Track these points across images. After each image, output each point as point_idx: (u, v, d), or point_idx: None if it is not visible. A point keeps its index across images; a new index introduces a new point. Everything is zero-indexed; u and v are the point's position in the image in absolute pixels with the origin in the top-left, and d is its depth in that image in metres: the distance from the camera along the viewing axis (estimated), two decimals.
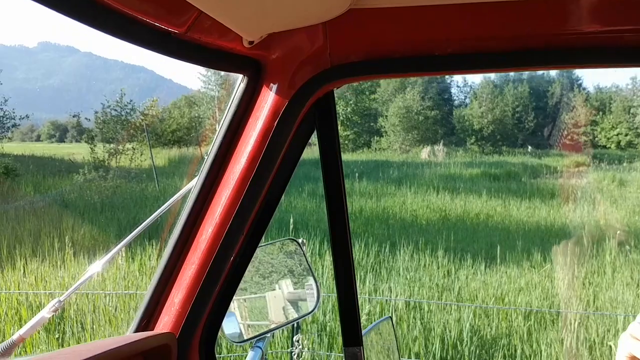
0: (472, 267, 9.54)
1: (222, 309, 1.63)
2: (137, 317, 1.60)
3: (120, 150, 24.51)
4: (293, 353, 2.89)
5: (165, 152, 35.23)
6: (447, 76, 61.62)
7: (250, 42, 1.36)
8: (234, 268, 1.59)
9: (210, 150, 1.57)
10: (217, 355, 1.66)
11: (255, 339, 2.08)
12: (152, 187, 19.67)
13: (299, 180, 20.83)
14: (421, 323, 6.45)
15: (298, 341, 3.36)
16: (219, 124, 1.60)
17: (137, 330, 1.59)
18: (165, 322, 1.57)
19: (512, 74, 63.40)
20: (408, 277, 8.80)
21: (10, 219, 13.72)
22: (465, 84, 65.53)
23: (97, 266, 1.77)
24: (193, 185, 1.61)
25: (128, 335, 1.56)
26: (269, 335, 2.16)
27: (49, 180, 21.48)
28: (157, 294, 1.59)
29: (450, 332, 6.29)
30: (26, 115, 31.29)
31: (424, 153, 39.90)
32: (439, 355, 5.96)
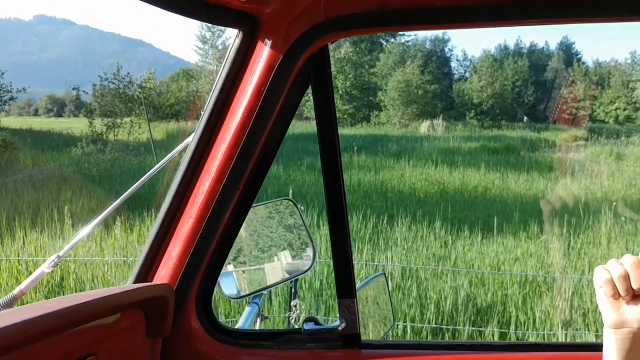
0: (469, 238, 9.62)
1: (218, 263, 1.67)
2: (135, 269, 1.64)
3: (119, 124, 24.41)
4: (291, 317, 2.94)
5: (163, 125, 35.12)
6: (446, 49, 61.28)
7: None
8: (230, 223, 1.62)
9: (206, 106, 1.58)
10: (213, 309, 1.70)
11: (252, 296, 2.13)
12: (151, 160, 19.66)
13: (297, 154, 20.84)
14: (417, 291, 6.52)
15: (296, 306, 3.40)
16: (214, 83, 1.62)
17: (136, 282, 1.63)
18: (163, 275, 1.61)
19: (512, 47, 63.09)
20: (405, 247, 8.88)
21: (9, 191, 13.77)
22: (465, 58, 65.30)
23: (95, 222, 1.79)
24: (190, 141, 1.64)
25: (126, 285, 1.60)
26: (265, 292, 2.21)
27: (47, 153, 21.47)
28: (154, 248, 1.63)
29: (445, 299, 6.37)
30: (23, 88, 31.05)
31: (423, 127, 39.80)
32: (434, 320, 6.05)
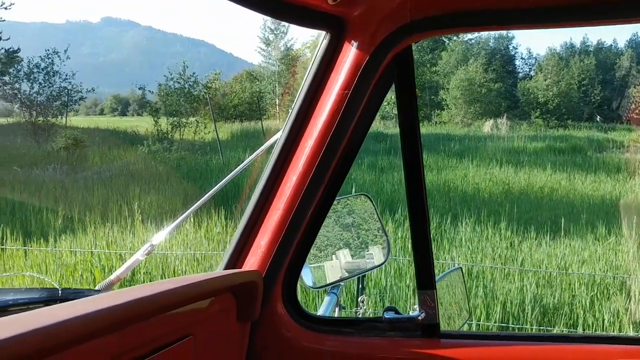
0: (536, 239, 9.44)
1: (303, 253, 1.76)
2: (225, 257, 1.75)
3: (184, 123, 25.02)
4: (357, 313, 3.01)
5: (228, 126, 35.73)
6: (511, 47, 59.94)
7: (334, 0, 1.45)
8: (315, 215, 1.71)
9: (294, 104, 1.68)
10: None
11: (330, 286, 2.21)
12: (217, 160, 20.09)
13: (358, 154, 20.81)
14: (483, 291, 6.48)
15: (362, 302, 3.47)
16: (297, 91, 1.71)
17: (226, 269, 1.74)
18: (252, 263, 1.71)
19: (578, 45, 61.14)
20: (470, 247, 8.80)
21: (80, 188, 14.32)
22: (529, 56, 63.72)
23: (186, 214, 1.92)
24: (277, 138, 1.73)
25: (219, 271, 1.71)
26: (342, 283, 2.29)
27: (114, 151, 22.09)
28: (244, 237, 1.73)
29: (512, 300, 6.30)
30: (92, 89, 32.13)
31: (487, 126, 39.07)
32: (500, 320, 6.00)
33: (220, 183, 1.90)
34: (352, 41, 1.57)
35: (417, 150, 1.62)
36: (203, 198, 1.89)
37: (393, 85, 1.62)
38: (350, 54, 1.58)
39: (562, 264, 8.04)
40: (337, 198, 1.87)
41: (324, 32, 1.62)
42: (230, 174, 1.88)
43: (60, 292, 1.48)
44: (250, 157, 1.88)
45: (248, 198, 1.75)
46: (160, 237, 1.89)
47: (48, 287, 1.54)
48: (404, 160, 1.63)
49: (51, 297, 1.45)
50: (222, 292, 1.55)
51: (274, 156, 1.69)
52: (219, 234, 9.29)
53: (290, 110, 1.70)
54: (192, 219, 9.64)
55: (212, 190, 1.89)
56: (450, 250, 8.55)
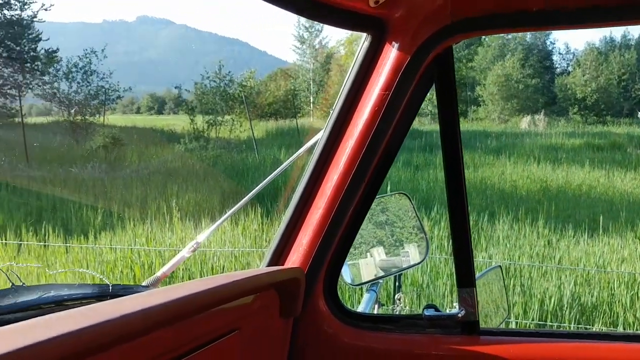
0: (574, 237, 9.29)
1: (344, 251, 1.79)
2: (268, 254, 1.79)
3: (220, 122, 25.30)
4: (394, 310, 3.03)
5: (263, 124, 35.93)
6: (548, 42, 58.86)
7: (376, 2, 1.47)
8: (355, 213, 1.74)
9: (335, 104, 1.71)
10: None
11: (370, 284, 2.23)
12: (252, 157, 20.25)
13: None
14: (521, 289, 6.42)
15: (399, 299, 3.48)
16: (339, 89, 1.73)
17: (269, 266, 1.78)
18: (294, 260, 1.74)
19: (618, 39, 59.64)
20: (508, 245, 8.71)
21: (118, 185, 14.58)
22: (567, 51, 62.42)
23: (232, 212, 1.97)
24: (318, 139, 1.77)
25: (262, 268, 1.75)
26: (381, 280, 2.31)
27: (152, 149, 22.40)
28: (286, 235, 1.77)
29: (550, 298, 6.23)
30: (129, 87, 32.70)
31: (524, 123, 38.57)
32: (537, 318, 5.94)
33: (263, 182, 1.94)
34: (393, 42, 1.59)
35: (458, 149, 1.63)
36: (246, 197, 1.93)
37: (433, 86, 1.64)
38: (391, 55, 1.60)
39: (601, 262, 7.90)
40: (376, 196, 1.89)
41: (364, 34, 1.64)
42: (272, 174, 1.92)
43: (110, 288, 1.53)
44: (292, 157, 1.92)
45: (290, 197, 1.79)
46: (204, 235, 1.93)
47: (99, 283, 1.60)
48: (444, 158, 1.65)
49: (102, 293, 1.51)
50: (266, 289, 1.59)
51: (315, 156, 1.72)
52: (256, 232, 9.38)
53: (330, 111, 1.72)
54: (230, 218, 9.72)
55: (254, 190, 1.93)
56: (488, 249, 8.48)
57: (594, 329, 5.83)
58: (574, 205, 12.81)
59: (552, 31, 59.58)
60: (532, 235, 9.32)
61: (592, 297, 6.50)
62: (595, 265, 7.73)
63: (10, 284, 1.45)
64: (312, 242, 1.72)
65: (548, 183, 15.92)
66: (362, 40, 1.65)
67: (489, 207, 11.68)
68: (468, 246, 1.68)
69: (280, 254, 1.77)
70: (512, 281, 6.72)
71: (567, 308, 6.14)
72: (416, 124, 33.45)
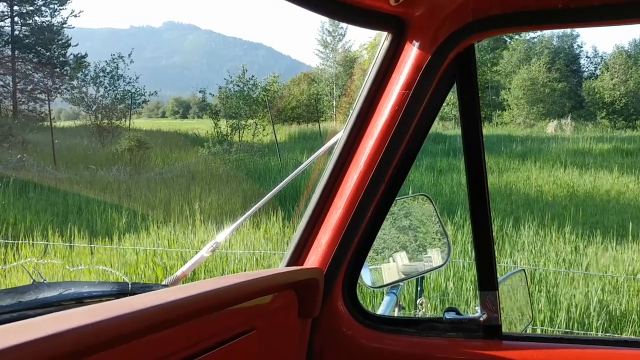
0: (602, 244, 9.12)
1: (364, 252, 1.77)
2: (287, 254, 1.78)
3: (243, 125, 25.45)
4: (417, 315, 3.00)
5: (286, 128, 36.07)
6: (575, 46, 58.10)
7: (397, 0, 1.45)
8: (375, 214, 1.72)
9: (355, 104, 1.69)
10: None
11: (390, 286, 2.21)
12: (275, 161, 20.31)
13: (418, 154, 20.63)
14: (546, 296, 6.31)
15: (421, 304, 3.45)
16: (358, 90, 1.72)
17: (288, 265, 1.77)
18: (313, 261, 1.73)
19: None
20: (533, 251, 8.59)
21: (143, 188, 14.73)
22: (595, 54, 61.46)
23: (251, 212, 1.96)
24: (338, 138, 1.75)
25: (281, 268, 1.74)
26: (402, 283, 2.28)
27: (176, 153, 22.64)
28: (305, 235, 1.75)
29: (576, 305, 6.12)
30: (155, 92, 33.11)
31: (550, 127, 38.08)
32: (564, 325, 5.83)
33: (282, 183, 1.94)
34: (414, 41, 1.57)
35: (480, 150, 1.60)
36: (265, 197, 1.93)
37: (455, 85, 1.62)
38: (411, 54, 1.58)
39: (630, 269, 7.74)
40: (396, 199, 1.87)
41: (384, 33, 1.63)
42: (292, 174, 1.91)
43: (130, 286, 1.54)
44: (312, 158, 1.90)
45: (309, 197, 1.77)
46: (224, 235, 1.93)
47: (119, 281, 1.60)
48: (465, 159, 1.62)
49: (122, 291, 1.51)
50: (284, 288, 1.58)
51: (335, 155, 1.71)
52: (277, 235, 9.39)
53: (350, 111, 1.71)
54: (251, 220, 9.79)
55: (274, 190, 1.93)
56: (512, 254, 8.37)
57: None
58: (602, 211, 12.59)
59: (579, 33, 58.79)
60: (559, 242, 9.18)
61: (620, 305, 6.37)
62: (625, 273, 7.58)
63: (32, 280, 1.47)
64: (332, 242, 1.70)
65: (575, 188, 15.68)
66: (383, 39, 1.64)
67: (514, 213, 11.55)
68: (490, 248, 1.64)
69: (299, 254, 1.76)
70: (537, 287, 6.62)
71: (594, 316, 6.02)
72: (440, 128, 33.29)
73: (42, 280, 1.47)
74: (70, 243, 8.90)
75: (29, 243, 8.75)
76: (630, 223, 9.61)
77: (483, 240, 1.64)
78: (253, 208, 1.92)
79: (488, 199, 1.64)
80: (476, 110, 1.60)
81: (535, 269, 7.22)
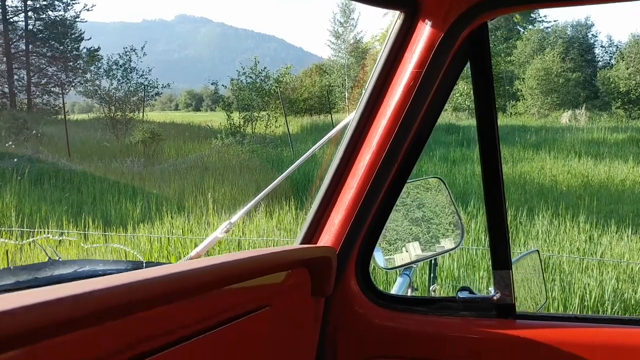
0: (617, 233, 9.05)
1: (377, 231, 1.77)
2: (300, 234, 1.78)
3: (255, 117, 25.48)
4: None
5: (298, 120, 36.06)
6: (590, 35, 57.47)
7: None
8: (388, 194, 1.71)
9: (368, 84, 1.68)
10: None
11: (404, 268, 2.21)
12: (287, 152, 20.32)
13: (429, 145, 20.61)
14: (560, 284, 6.28)
15: (434, 291, 3.45)
16: (368, 76, 1.71)
17: (302, 244, 1.77)
18: (326, 240, 1.73)
19: None
20: (547, 240, 8.55)
21: (157, 179, 14.81)
22: (610, 44, 60.72)
23: (263, 194, 1.97)
24: (351, 118, 1.75)
25: (295, 245, 1.74)
26: (415, 265, 2.28)
27: (189, 144, 22.69)
28: (318, 215, 1.75)
29: (590, 293, 6.08)
30: (167, 84, 33.12)
31: (565, 117, 37.78)
32: (577, 313, 5.81)
33: (296, 163, 1.94)
34: (426, 20, 1.56)
35: (493, 125, 1.59)
36: (281, 176, 1.93)
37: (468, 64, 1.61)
38: (424, 32, 1.57)
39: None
40: (408, 181, 1.87)
41: (397, 13, 1.62)
42: (307, 153, 1.91)
43: (144, 264, 1.55)
44: (324, 138, 1.90)
45: (322, 177, 1.78)
46: (237, 215, 1.94)
47: (133, 260, 1.62)
48: (479, 133, 1.61)
49: (136, 269, 1.52)
50: (297, 266, 1.58)
51: (347, 136, 1.71)
52: (290, 224, 9.41)
53: (363, 91, 1.70)
54: (264, 209, 9.82)
55: (287, 171, 1.93)
56: (527, 243, 8.33)
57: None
58: (617, 201, 12.50)
59: (594, 22, 58.00)
60: (573, 231, 9.12)
61: (635, 294, 6.33)
62: None
63: (47, 257, 1.48)
64: (344, 222, 1.70)
65: (590, 178, 15.56)
66: (395, 18, 1.63)
67: (528, 202, 11.49)
68: (504, 226, 1.64)
69: (312, 234, 1.76)
70: (551, 276, 6.59)
71: (608, 304, 5.99)
72: (453, 119, 33.09)
73: (57, 258, 1.49)
74: (85, 231, 8.97)
75: (43, 231, 8.83)
76: None
77: (497, 218, 1.64)
78: (268, 188, 1.92)
79: (502, 175, 1.63)
80: (490, 87, 1.59)
81: (550, 257, 7.19)
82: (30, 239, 7.57)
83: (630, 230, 9.03)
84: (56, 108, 40.87)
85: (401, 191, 1.75)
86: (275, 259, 1.46)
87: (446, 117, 35.00)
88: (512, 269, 1.66)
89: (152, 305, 1.03)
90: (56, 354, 0.87)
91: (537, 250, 2.15)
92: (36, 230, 8.91)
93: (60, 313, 0.83)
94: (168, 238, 8.20)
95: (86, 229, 9.15)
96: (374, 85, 1.66)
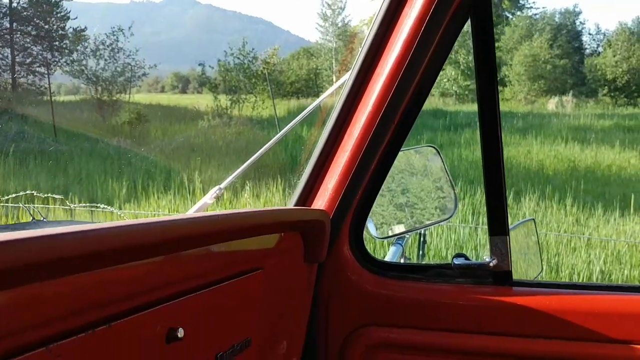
0: (604, 216, 9.10)
1: (371, 196, 1.72)
2: (292, 198, 1.73)
3: (243, 99, 25.35)
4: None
5: (285, 102, 35.93)
6: (577, 22, 57.59)
7: None
8: (383, 158, 1.66)
9: (364, 42, 1.62)
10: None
11: (396, 237, 2.17)
12: (274, 134, 20.20)
13: (417, 129, 20.61)
14: (548, 265, 6.31)
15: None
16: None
17: None
18: (320, 205, 1.67)
19: None
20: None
21: (143, 159, 14.71)
22: (598, 31, 60.99)
23: (253, 159, 1.91)
24: (346, 79, 1.69)
25: (288, 206, 1.69)
26: (408, 235, 2.24)
27: (176, 126, 22.61)
28: (312, 178, 1.70)
29: (579, 274, 6.12)
30: (154, 65, 32.82)
31: (552, 104, 37.91)
32: None
33: (286, 128, 1.88)
34: None
35: (493, 84, 1.55)
36: (269, 143, 1.87)
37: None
38: None
39: (632, 239, 7.75)
40: (403, 149, 1.82)
41: None
42: (299, 117, 1.85)
43: None
44: (319, 99, 1.85)
45: (316, 139, 1.72)
46: (227, 181, 1.88)
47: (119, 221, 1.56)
48: (478, 93, 1.56)
49: None
50: (290, 228, 1.52)
51: (342, 96, 1.65)
52: (278, 204, 9.38)
53: (359, 48, 1.64)
54: (251, 191, 9.76)
55: (277, 135, 1.88)
56: (512, 224, 8.36)
57: None
58: (603, 185, 12.60)
59: (582, 10, 58.10)
60: (560, 213, 9.17)
61: (622, 274, 6.37)
62: (626, 245, 7.57)
63: (31, 217, 1.43)
64: (339, 186, 1.65)
65: (576, 163, 15.67)
66: None
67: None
68: (502, 191, 1.59)
69: (305, 198, 1.71)
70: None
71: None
72: (441, 104, 33.09)
73: (41, 218, 1.43)
74: (70, 206, 8.88)
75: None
76: (633, 195, 9.58)
77: (494, 183, 1.59)
78: (257, 153, 1.86)
79: (500, 138, 1.58)
80: (491, 44, 1.54)
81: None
82: (15, 203, 7.45)
83: (616, 213, 9.09)
84: (42, 88, 40.30)
85: (397, 155, 1.70)
86: (268, 218, 1.41)
87: (434, 101, 35.02)
88: (509, 235, 1.62)
89: (145, 256, 0.99)
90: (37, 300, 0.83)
91: (533, 219, 2.13)
92: (20, 205, 8.79)
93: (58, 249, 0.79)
94: (154, 215, 8.12)
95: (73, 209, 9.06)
96: (371, 42, 1.60)
